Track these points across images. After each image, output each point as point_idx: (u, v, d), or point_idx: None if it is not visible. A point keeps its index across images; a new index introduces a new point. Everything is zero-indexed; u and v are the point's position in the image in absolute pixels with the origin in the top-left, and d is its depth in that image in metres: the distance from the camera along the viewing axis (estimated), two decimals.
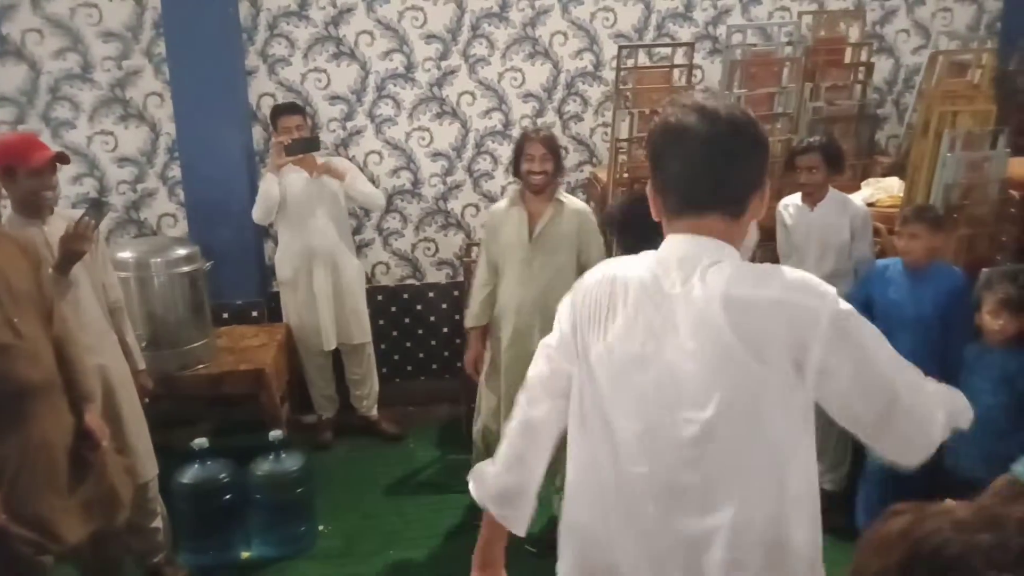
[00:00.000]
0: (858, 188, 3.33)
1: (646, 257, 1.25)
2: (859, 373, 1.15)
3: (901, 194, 3.11)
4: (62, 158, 2.38)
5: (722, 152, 1.16)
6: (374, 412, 3.85)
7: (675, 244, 1.21)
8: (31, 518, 1.95)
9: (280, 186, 3.47)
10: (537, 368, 1.41)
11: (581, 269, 2.80)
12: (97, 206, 2.35)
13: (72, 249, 2.28)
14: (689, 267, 1.17)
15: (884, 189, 3.20)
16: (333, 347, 3.68)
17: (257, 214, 3.51)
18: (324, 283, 3.59)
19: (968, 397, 2.64)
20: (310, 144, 3.50)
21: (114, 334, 2.58)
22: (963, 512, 0.66)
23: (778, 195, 3.23)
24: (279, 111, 3.55)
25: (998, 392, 2.50)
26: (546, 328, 2.91)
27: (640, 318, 1.20)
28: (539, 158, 2.81)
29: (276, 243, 3.73)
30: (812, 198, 2.98)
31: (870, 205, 3.14)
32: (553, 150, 2.84)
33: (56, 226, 2.38)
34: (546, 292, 2.76)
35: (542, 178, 2.82)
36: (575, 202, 2.96)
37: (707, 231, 1.19)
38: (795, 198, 3.08)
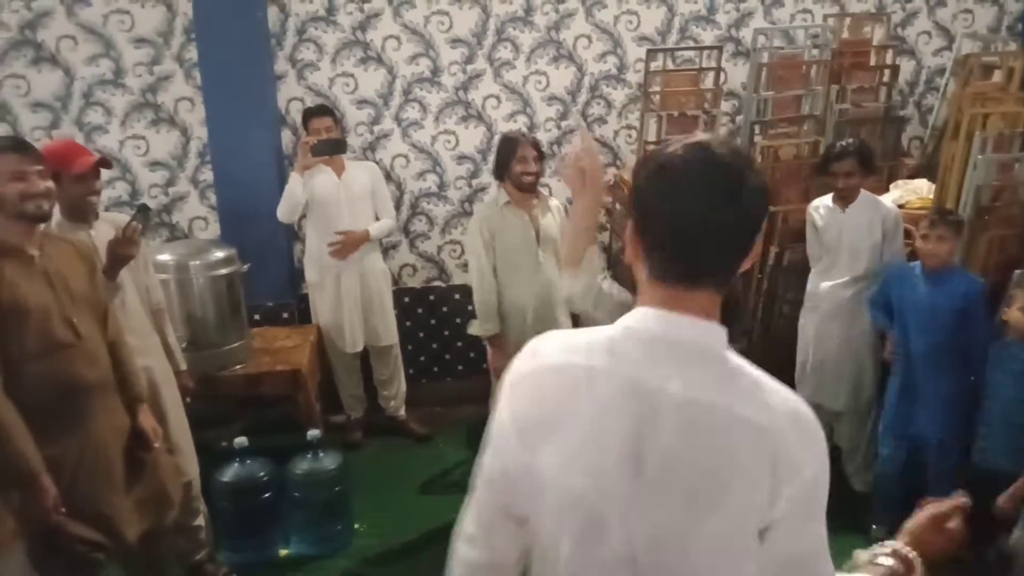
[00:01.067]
0: (886, 190, 3.36)
1: (616, 335, 0.96)
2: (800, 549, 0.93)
3: (930, 196, 3.13)
4: (104, 163, 2.43)
5: (743, 212, 0.92)
6: (402, 412, 3.90)
7: (664, 323, 0.94)
8: (91, 516, 1.99)
9: (307, 187, 3.50)
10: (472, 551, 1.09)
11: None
12: (144, 211, 2.38)
13: (120, 254, 2.32)
14: (683, 361, 0.93)
15: (913, 191, 3.22)
16: (360, 349, 3.72)
17: (281, 212, 3.53)
18: (351, 285, 3.62)
19: (992, 392, 2.69)
20: (337, 146, 3.53)
21: (157, 336, 2.63)
22: None
23: (806, 197, 3.26)
24: (310, 113, 3.60)
25: (1020, 386, 2.54)
26: (555, 321, 2.99)
27: (613, 433, 0.92)
28: (532, 160, 2.98)
29: (304, 245, 3.78)
30: (845, 200, 3.00)
31: (900, 207, 3.17)
32: (541, 152, 3.06)
33: (102, 230, 2.42)
34: (550, 288, 3.00)
35: (534, 179, 3.01)
36: (552, 199, 3.24)
37: (697, 308, 0.94)
38: (826, 200, 3.10)
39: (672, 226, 0.92)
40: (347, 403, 3.85)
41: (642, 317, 0.95)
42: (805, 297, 3.20)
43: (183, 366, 2.76)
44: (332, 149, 3.51)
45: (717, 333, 0.95)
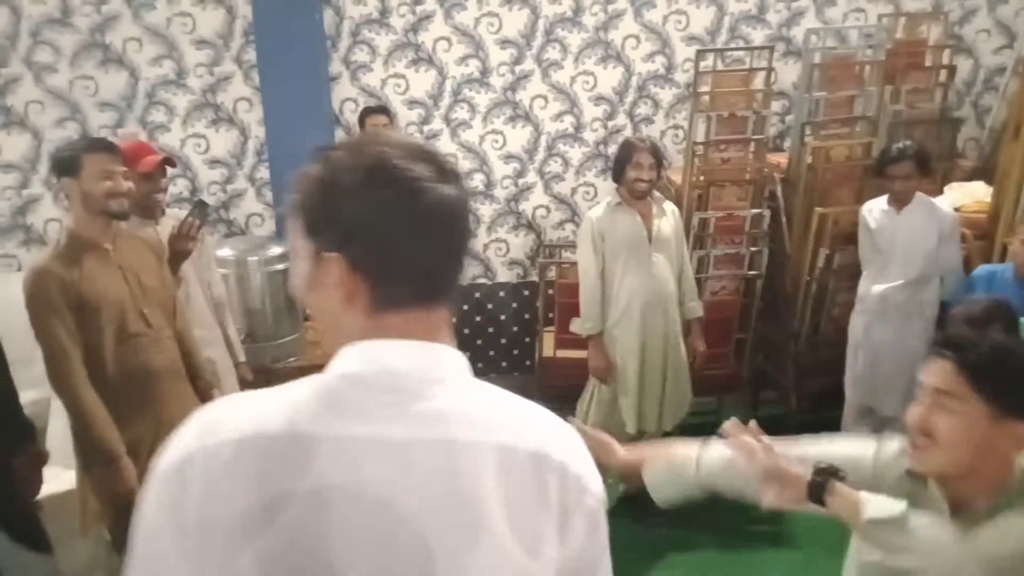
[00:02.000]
0: (940, 192, 3.30)
1: (314, 391, 0.75)
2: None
3: (986, 199, 3.07)
4: (169, 162, 2.54)
5: (465, 219, 0.80)
6: None
7: (404, 355, 0.76)
8: None
9: None
10: None
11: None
12: (201, 207, 2.48)
13: (178, 248, 2.43)
14: (429, 393, 0.76)
15: (969, 194, 3.16)
16: None
17: None
18: None
19: None
20: None
21: (219, 328, 2.73)
22: None
23: (858, 199, 3.23)
24: (368, 112, 3.68)
25: None
26: (668, 321, 3.12)
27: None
28: (647, 167, 2.96)
29: None
30: (900, 202, 2.97)
31: (955, 210, 3.11)
32: (659, 159, 3.02)
33: (167, 226, 2.54)
34: (663, 287, 3.05)
35: (647, 186, 2.99)
36: (668, 202, 3.19)
37: (435, 331, 0.80)
38: (880, 202, 3.06)
39: (413, 245, 0.75)
40: None
41: (379, 353, 0.75)
42: (856, 300, 3.17)
43: (242, 358, 2.87)
44: None
45: (460, 357, 0.81)
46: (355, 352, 0.76)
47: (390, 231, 0.74)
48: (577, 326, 3.22)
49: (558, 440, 0.81)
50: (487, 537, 0.72)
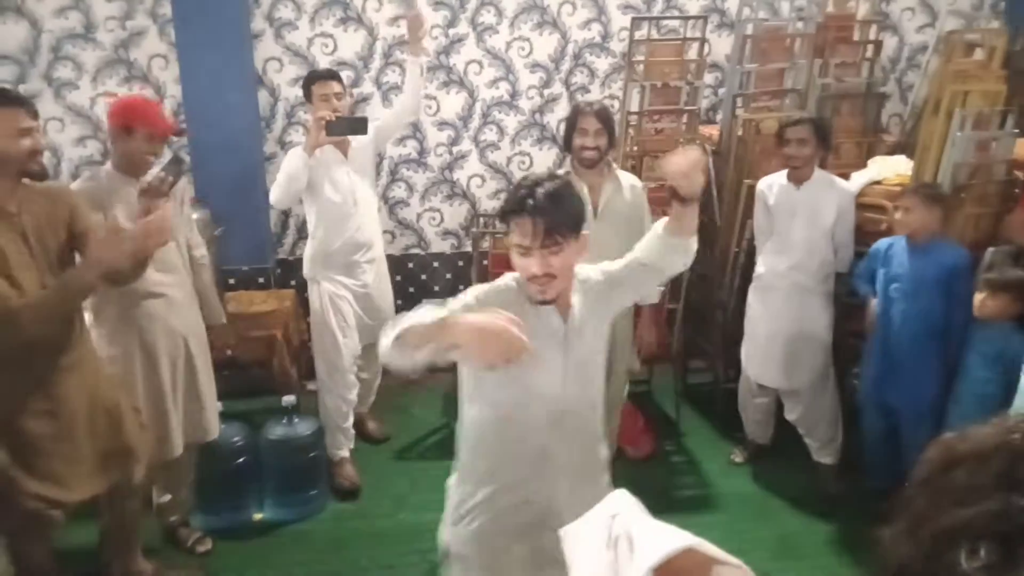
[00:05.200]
0: (864, 166, 3.37)
1: None
2: None
3: (908, 172, 3.15)
4: (180, 132, 2.42)
5: None
6: (365, 408, 3.48)
7: None
8: (48, 472, 1.98)
9: (310, 170, 2.94)
10: None
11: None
12: (176, 163, 2.35)
13: (148, 203, 2.27)
14: None
15: (891, 167, 3.23)
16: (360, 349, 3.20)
17: (276, 195, 2.98)
18: (370, 282, 3.16)
19: (963, 372, 2.74)
20: (356, 126, 2.95)
21: (193, 291, 2.64)
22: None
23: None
24: (315, 76, 3.08)
25: (990, 367, 2.59)
26: None
27: None
28: (593, 132, 2.68)
29: (284, 212, 3.71)
30: (798, 175, 2.96)
31: (877, 183, 3.18)
32: (607, 124, 2.71)
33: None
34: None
35: (594, 153, 2.70)
36: (629, 176, 2.87)
37: None
38: (779, 177, 3.04)
39: None
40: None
41: None
42: (755, 276, 3.15)
43: (223, 319, 2.85)
44: (352, 129, 2.93)
45: None
46: None
47: None
48: None
49: None
50: None
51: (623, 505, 0.95)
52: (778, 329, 3.05)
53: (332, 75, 3.08)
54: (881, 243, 2.90)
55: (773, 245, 3.07)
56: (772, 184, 3.06)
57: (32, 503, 1.97)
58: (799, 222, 2.97)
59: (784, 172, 3.03)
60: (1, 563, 2.13)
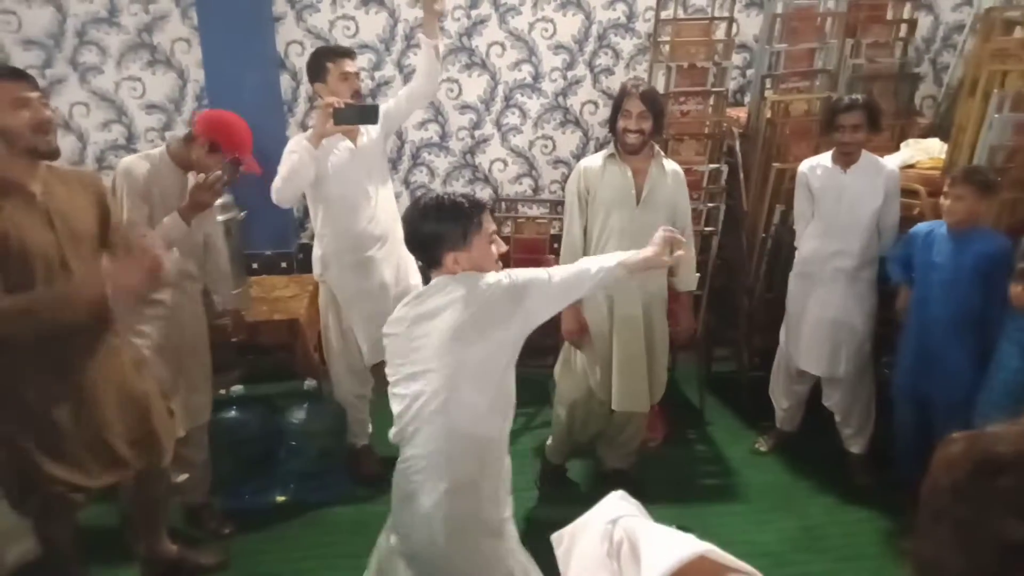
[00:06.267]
0: (896, 149, 3.28)
1: None
2: None
3: (942, 156, 3.06)
4: (254, 167, 2.53)
5: None
6: (364, 440, 3.22)
7: None
8: (75, 457, 1.99)
9: (319, 162, 2.71)
10: None
11: None
12: (235, 164, 2.40)
13: (199, 199, 2.39)
14: None
15: (924, 150, 3.14)
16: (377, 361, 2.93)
17: (280, 192, 2.68)
18: (388, 280, 2.93)
19: (999, 361, 2.65)
20: (366, 114, 2.68)
21: (197, 280, 2.65)
22: (1017, 427, 0.66)
23: (816, 154, 3.18)
24: (331, 52, 2.82)
25: (1022, 357, 2.51)
26: (650, 287, 2.78)
27: None
28: (636, 116, 2.56)
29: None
30: (847, 159, 2.88)
31: (909, 167, 3.09)
32: (653, 107, 2.58)
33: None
34: None
35: (637, 137, 2.58)
36: (670, 162, 2.75)
37: None
38: (823, 159, 2.96)
39: None
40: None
41: None
42: (796, 262, 3.08)
43: (229, 306, 2.84)
44: (362, 117, 2.67)
45: None
46: None
47: None
48: None
49: None
50: None
51: (622, 509, 0.89)
52: (822, 316, 2.99)
53: (350, 52, 2.88)
54: (919, 228, 2.80)
55: (815, 229, 3.00)
56: (816, 167, 2.97)
57: (55, 487, 1.98)
58: (844, 206, 2.89)
59: (828, 154, 2.96)
60: (25, 545, 2.17)
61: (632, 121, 2.57)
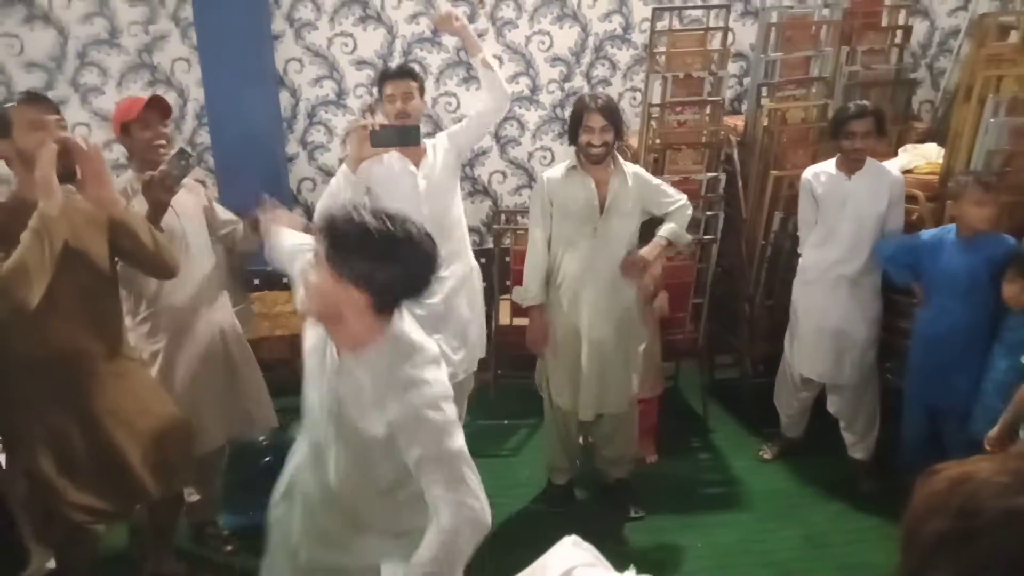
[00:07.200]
0: (894, 155, 3.29)
1: None
2: None
3: (940, 160, 3.07)
4: (157, 101, 2.38)
5: None
6: None
7: None
8: (92, 484, 1.99)
9: (356, 187, 2.59)
10: None
11: (647, 226, 2.78)
12: (180, 156, 2.22)
13: (154, 198, 2.23)
14: None
15: (922, 155, 3.15)
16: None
17: (318, 215, 2.63)
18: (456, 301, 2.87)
19: (989, 365, 2.64)
20: (406, 135, 2.57)
21: (225, 291, 2.63)
22: (1001, 476, 0.65)
23: (814, 161, 3.19)
24: (385, 76, 2.78)
25: (1011, 356, 2.51)
26: (616, 296, 2.75)
27: None
28: (599, 130, 2.60)
29: (304, 207, 3.72)
30: (853, 165, 2.88)
31: (907, 172, 3.10)
32: (613, 119, 2.62)
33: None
34: (613, 261, 2.71)
35: (602, 150, 2.63)
36: (629, 165, 2.78)
37: None
38: (827, 166, 2.96)
39: None
40: None
41: None
42: (799, 270, 3.09)
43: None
44: (401, 139, 2.56)
45: None
46: None
47: None
48: (517, 295, 3.01)
49: None
50: None
51: (578, 558, 0.80)
52: (826, 323, 2.98)
53: (405, 72, 2.78)
54: (925, 235, 2.80)
55: (818, 237, 3.00)
56: (819, 173, 2.97)
57: (78, 515, 1.97)
58: (849, 213, 2.89)
59: (831, 161, 2.96)
60: (36, 561, 2.17)
61: (596, 136, 2.61)
